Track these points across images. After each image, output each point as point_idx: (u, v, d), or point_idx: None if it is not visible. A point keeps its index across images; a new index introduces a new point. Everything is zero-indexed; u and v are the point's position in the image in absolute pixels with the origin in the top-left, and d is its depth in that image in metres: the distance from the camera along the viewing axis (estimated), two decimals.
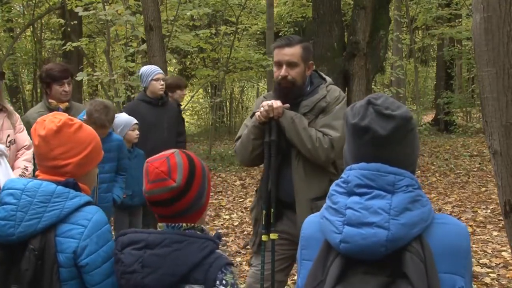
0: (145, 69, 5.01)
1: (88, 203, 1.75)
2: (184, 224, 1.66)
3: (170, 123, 4.96)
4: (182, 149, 5.57)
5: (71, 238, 1.68)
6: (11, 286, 1.66)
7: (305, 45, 2.86)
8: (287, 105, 2.80)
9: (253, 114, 2.91)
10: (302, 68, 2.83)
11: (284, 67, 2.81)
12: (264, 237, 2.83)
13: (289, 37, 2.92)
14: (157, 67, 5.08)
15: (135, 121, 4.49)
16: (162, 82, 4.86)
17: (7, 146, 3.22)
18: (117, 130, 4.31)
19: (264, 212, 2.83)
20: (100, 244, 1.70)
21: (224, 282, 1.58)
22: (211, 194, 8.60)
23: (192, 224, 1.67)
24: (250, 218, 3.16)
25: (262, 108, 2.79)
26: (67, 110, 3.88)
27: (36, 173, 1.84)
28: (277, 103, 2.76)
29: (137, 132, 4.45)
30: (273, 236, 2.81)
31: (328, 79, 2.99)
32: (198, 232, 1.66)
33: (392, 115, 1.43)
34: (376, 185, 1.40)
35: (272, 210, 2.81)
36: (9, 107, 3.38)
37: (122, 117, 4.50)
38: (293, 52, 2.80)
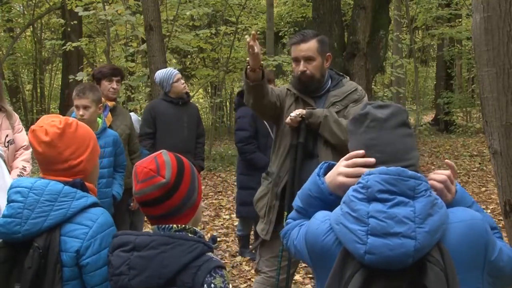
0: (162, 75, 4.85)
1: (94, 205, 1.77)
2: (174, 226, 1.63)
3: (190, 122, 4.98)
4: (201, 150, 5.45)
5: (75, 238, 1.69)
6: (15, 285, 1.66)
7: (320, 38, 2.91)
8: (310, 107, 2.84)
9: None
10: (320, 61, 2.89)
11: (302, 62, 2.87)
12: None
13: (303, 32, 2.96)
14: (171, 69, 5.05)
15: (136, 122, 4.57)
16: (182, 81, 4.88)
17: (5, 146, 3.22)
18: None
19: (286, 213, 2.81)
20: (103, 245, 1.70)
21: (212, 286, 1.54)
22: (211, 194, 8.63)
23: (183, 226, 1.65)
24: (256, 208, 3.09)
25: (293, 114, 2.80)
26: (112, 110, 4.05)
27: (41, 175, 1.84)
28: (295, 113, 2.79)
29: None
30: None
31: (346, 76, 3.09)
32: (189, 234, 1.63)
33: (388, 104, 1.56)
34: (398, 190, 1.38)
35: (286, 213, 2.79)
36: (8, 107, 3.39)
37: (131, 116, 4.60)
38: (308, 47, 2.85)
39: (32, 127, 1.81)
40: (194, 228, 1.68)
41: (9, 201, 1.72)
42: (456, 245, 1.38)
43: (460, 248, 1.38)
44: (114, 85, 4.11)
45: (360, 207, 1.38)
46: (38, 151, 1.78)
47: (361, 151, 1.54)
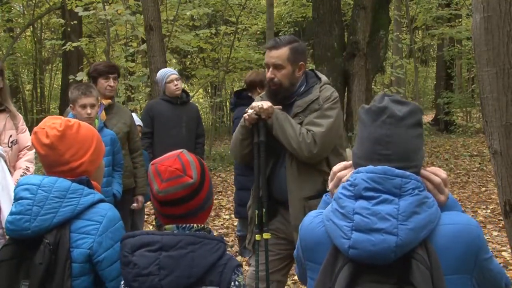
0: (159, 74, 5.03)
1: (101, 201, 1.79)
2: (195, 225, 1.64)
3: (189, 122, 4.99)
4: (201, 150, 5.39)
5: (86, 234, 1.71)
6: (21, 282, 1.68)
7: (294, 46, 2.80)
8: (279, 106, 2.79)
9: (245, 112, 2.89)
10: (289, 70, 2.79)
11: (271, 69, 2.80)
12: (257, 237, 2.82)
13: (277, 38, 2.88)
14: (169, 69, 5.11)
15: (139, 122, 4.57)
16: (176, 83, 4.89)
17: (9, 147, 3.23)
18: None
19: (256, 212, 2.83)
20: (115, 239, 1.73)
21: (237, 283, 1.59)
22: None
23: (202, 225, 1.66)
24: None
25: (250, 110, 2.76)
26: (109, 108, 3.99)
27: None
28: (267, 104, 2.74)
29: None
30: (266, 235, 2.80)
31: (324, 78, 2.95)
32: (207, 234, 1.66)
33: (406, 102, 1.54)
34: (383, 188, 1.41)
35: (264, 210, 2.79)
36: (13, 108, 3.40)
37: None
38: (279, 54, 2.78)
39: (35, 129, 1.82)
40: (209, 227, 1.70)
41: (17, 198, 1.74)
42: (445, 246, 1.39)
43: (449, 250, 1.39)
44: (111, 82, 4.01)
45: (347, 204, 1.43)
46: (40, 153, 1.80)
47: (342, 164, 1.64)
